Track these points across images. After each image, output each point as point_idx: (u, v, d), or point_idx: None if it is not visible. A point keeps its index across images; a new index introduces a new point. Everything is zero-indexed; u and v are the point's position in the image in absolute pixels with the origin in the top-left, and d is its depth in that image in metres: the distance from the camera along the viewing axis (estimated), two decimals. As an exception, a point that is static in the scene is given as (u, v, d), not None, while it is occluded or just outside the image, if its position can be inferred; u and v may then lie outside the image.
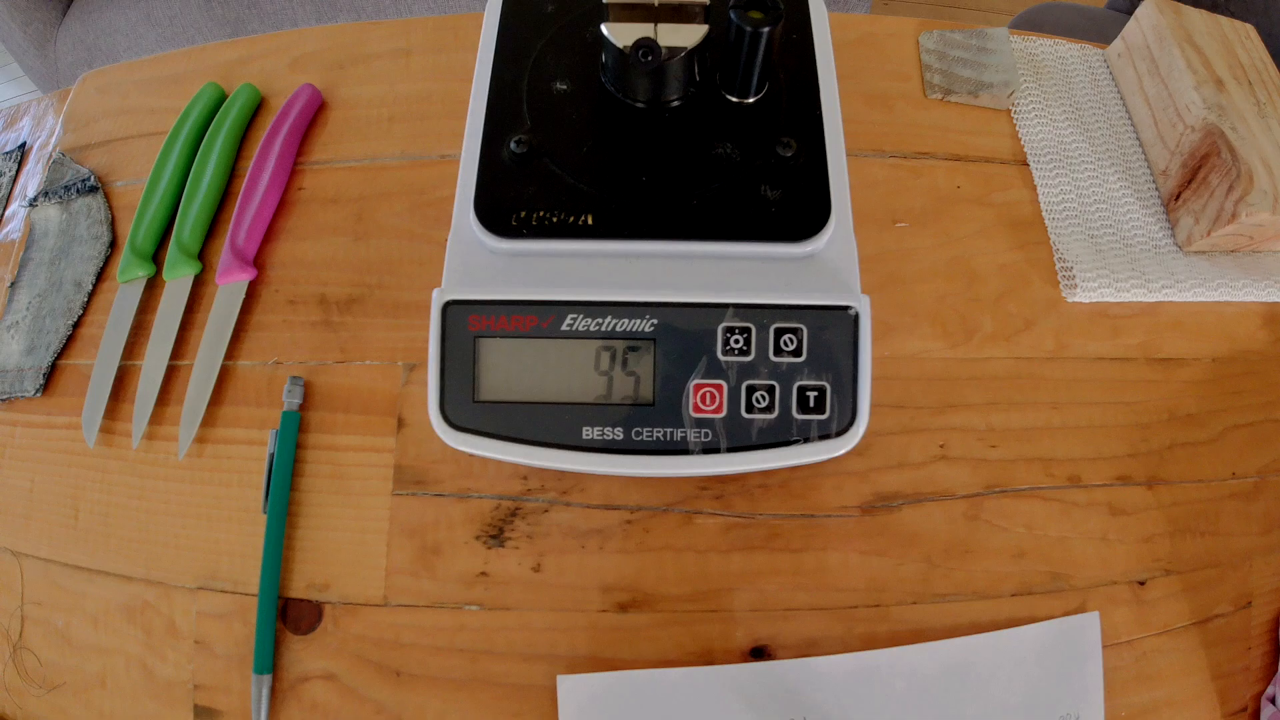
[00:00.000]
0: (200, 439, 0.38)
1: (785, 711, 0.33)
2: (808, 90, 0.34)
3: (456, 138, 0.34)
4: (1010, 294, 0.40)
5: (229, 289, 0.40)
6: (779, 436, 0.30)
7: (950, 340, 0.39)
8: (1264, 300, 0.40)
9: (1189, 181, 0.40)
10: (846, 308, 0.30)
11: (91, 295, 0.42)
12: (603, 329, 0.30)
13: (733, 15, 0.29)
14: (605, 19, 0.30)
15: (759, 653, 0.34)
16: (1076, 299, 0.40)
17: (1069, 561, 0.35)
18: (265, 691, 0.33)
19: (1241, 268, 0.40)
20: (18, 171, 0.49)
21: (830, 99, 0.34)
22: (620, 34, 0.30)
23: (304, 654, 0.34)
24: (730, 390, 0.30)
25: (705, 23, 0.30)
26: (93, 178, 0.45)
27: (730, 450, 0.30)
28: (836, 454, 0.30)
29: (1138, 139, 0.44)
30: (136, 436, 0.38)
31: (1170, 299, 0.40)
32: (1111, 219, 0.42)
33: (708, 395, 0.30)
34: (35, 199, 0.46)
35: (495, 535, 0.36)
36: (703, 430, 0.30)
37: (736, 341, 0.30)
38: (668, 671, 0.33)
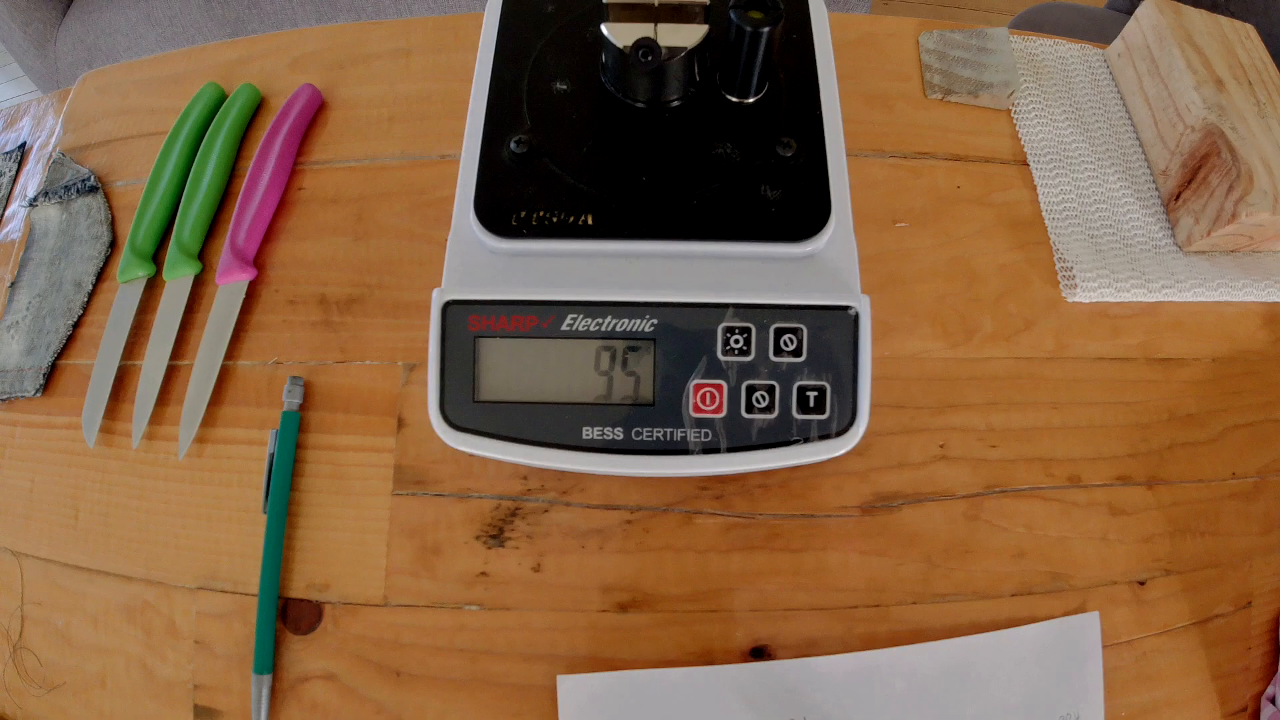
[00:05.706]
0: (200, 439, 0.38)
1: (785, 711, 0.33)
2: (808, 90, 0.34)
3: (456, 138, 0.34)
4: (1010, 294, 0.40)
5: (229, 289, 0.40)
6: (779, 436, 0.30)
7: (950, 340, 0.39)
8: (1264, 300, 0.40)
9: (1189, 181, 0.40)
10: (846, 308, 0.30)
11: (91, 295, 0.42)
12: (603, 329, 0.30)
13: (733, 15, 0.29)
14: (605, 19, 0.30)
15: (759, 653, 0.34)
16: (1076, 299, 0.40)
17: (1069, 561, 0.35)
18: (265, 691, 0.33)
19: (1241, 268, 0.40)
20: (18, 171, 0.49)
21: (830, 99, 0.34)
22: (620, 34, 0.30)
23: (304, 654, 0.34)
24: (730, 390, 0.30)
25: (705, 23, 0.30)
26: (93, 178, 0.45)
27: (730, 450, 0.30)
28: (836, 454, 0.30)
29: (1138, 139, 0.44)
30: (136, 436, 0.38)
31: (1170, 299, 0.40)
32: (1111, 219, 0.42)
33: (708, 395, 0.30)
34: (35, 199, 0.46)
35: (495, 535, 0.36)
36: (703, 430, 0.30)
37: (736, 341, 0.30)
38: (668, 671, 0.33)
